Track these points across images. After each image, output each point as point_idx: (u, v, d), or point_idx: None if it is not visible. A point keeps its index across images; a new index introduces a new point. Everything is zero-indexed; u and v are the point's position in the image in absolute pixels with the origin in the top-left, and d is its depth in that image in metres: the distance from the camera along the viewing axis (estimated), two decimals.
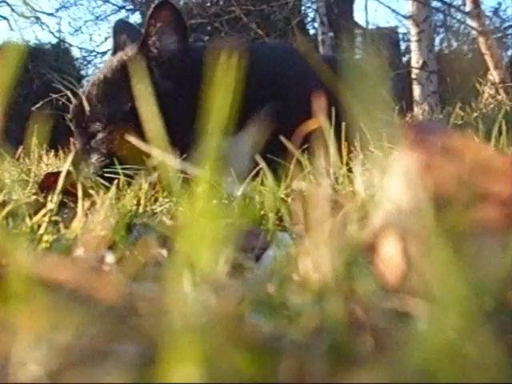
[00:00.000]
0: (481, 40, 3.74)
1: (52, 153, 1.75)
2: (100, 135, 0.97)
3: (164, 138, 0.26)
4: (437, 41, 7.77)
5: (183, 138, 0.82)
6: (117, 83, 0.98)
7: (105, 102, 0.98)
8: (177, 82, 0.98)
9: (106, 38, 7.87)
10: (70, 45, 7.80)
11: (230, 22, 5.62)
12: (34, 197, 0.72)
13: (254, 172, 0.65)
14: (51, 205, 0.50)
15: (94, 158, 0.97)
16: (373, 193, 0.45)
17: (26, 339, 0.20)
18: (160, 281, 0.25)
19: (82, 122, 1.00)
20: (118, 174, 0.73)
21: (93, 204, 0.55)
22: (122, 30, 1.15)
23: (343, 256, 0.26)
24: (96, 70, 7.78)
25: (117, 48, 1.11)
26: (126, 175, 0.74)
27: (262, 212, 0.54)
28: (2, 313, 0.21)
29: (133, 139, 0.45)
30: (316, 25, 5.87)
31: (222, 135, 0.24)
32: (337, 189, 0.60)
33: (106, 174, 0.80)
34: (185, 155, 0.68)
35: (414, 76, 4.53)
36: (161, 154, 0.29)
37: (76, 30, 7.96)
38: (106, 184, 0.68)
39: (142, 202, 0.64)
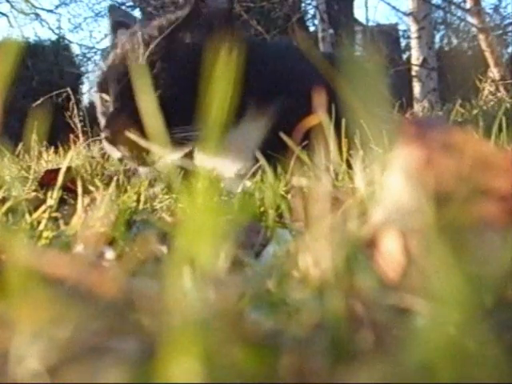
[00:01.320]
0: (481, 37, 3.73)
1: (52, 149, 1.75)
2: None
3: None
4: (437, 38, 7.76)
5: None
6: (174, 39, 0.92)
7: (165, 58, 0.88)
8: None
9: (106, 35, 7.84)
10: (70, 41, 7.78)
11: None
12: (33, 193, 0.72)
13: (254, 168, 0.65)
14: (51, 201, 0.50)
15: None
16: (373, 189, 0.45)
17: (25, 334, 0.20)
18: (160, 277, 0.25)
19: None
20: None
21: (92, 200, 0.55)
22: (116, 12, 1.14)
23: (343, 252, 0.26)
24: (96, 66, 7.75)
25: (116, 27, 1.07)
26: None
27: (262, 208, 0.54)
28: (2, 308, 0.21)
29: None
30: (316, 22, 5.86)
31: (223, 129, 0.24)
32: (337, 185, 0.60)
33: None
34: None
35: (414, 73, 4.52)
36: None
37: (76, 27, 7.92)
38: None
39: (142, 198, 0.64)
